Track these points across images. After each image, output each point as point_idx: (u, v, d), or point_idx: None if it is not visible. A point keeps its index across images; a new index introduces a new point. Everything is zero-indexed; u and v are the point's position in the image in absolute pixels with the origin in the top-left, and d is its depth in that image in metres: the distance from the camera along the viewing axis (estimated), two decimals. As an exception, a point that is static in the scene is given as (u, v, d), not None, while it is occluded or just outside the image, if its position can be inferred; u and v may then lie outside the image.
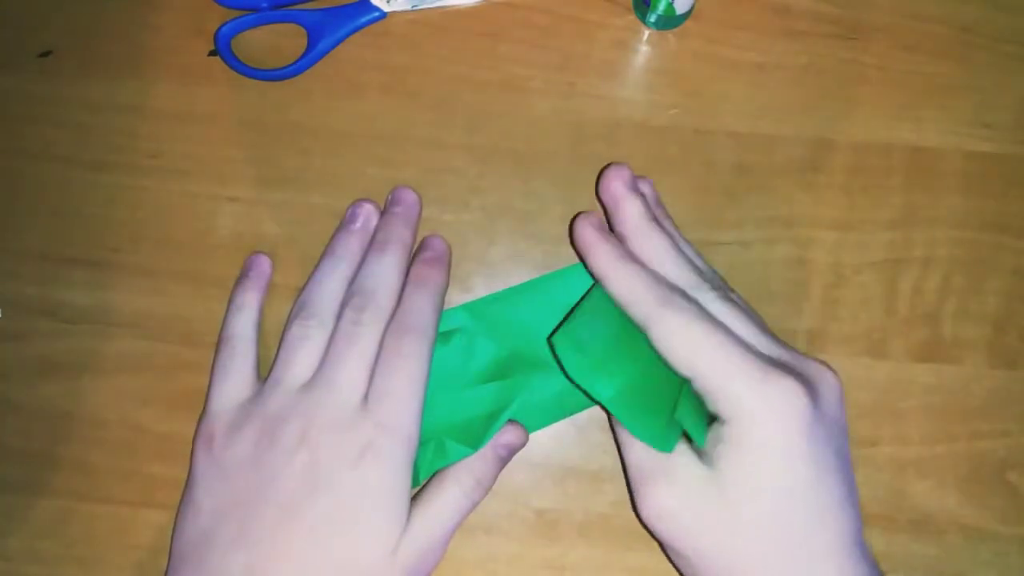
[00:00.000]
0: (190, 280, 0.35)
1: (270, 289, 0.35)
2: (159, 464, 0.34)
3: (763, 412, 0.27)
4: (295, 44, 0.37)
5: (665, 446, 0.29)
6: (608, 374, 0.28)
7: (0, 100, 0.37)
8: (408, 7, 0.38)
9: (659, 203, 0.34)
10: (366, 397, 0.30)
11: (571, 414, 0.34)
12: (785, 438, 0.27)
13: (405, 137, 0.37)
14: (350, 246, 0.34)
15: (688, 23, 0.37)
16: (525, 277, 0.35)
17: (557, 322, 0.33)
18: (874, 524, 0.33)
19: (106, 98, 0.37)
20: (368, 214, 0.35)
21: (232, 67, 0.37)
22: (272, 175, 0.36)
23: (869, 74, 0.37)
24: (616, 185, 0.31)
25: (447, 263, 0.34)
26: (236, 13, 0.37)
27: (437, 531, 0.30)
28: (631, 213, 0.31)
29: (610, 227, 0.32)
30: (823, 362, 0.30)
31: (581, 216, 0.32)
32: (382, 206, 0.35)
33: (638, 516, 0.29)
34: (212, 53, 0.37)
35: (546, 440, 0.34)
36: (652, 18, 0.37)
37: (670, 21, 0.37)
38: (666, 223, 0.33)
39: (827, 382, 0.29)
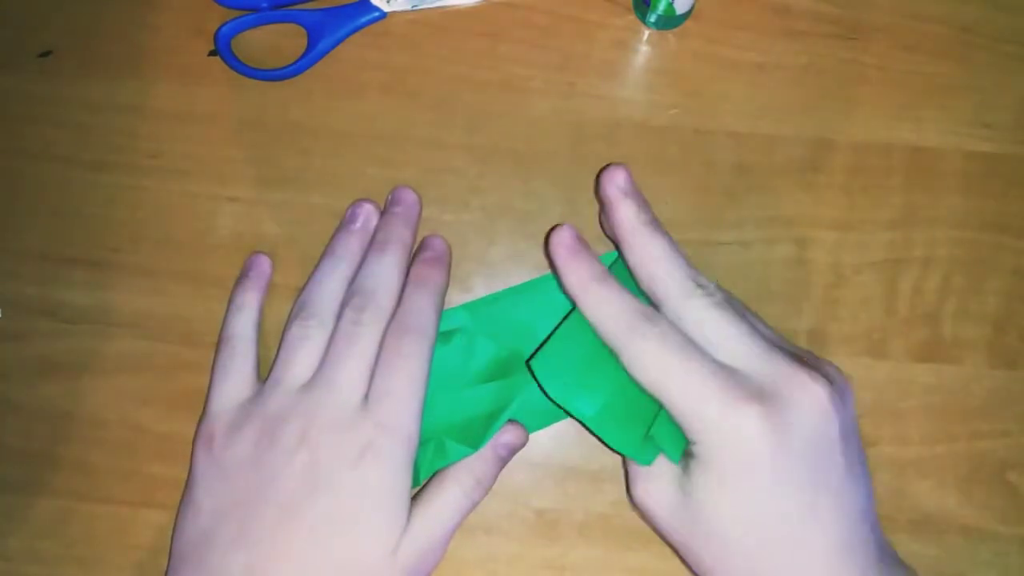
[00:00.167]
0: (190, 280, 0.35)
1: (270, 289, 0.35)
2: (159, 464, 0.34)
3: (724, 439, 0.27)
4: (295, 44, 0.37)
5: (645, 459, 0.29)
6: (588, 394, 0.29)
7: (0, 100, 0.37)
8: (408, 7, 0.38)
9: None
10: (366, 397, 0.30)
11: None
12: (745, 467, 0.27)
13: (405, 137, 0.37)
14: (350, 246, 0.34)
15: (688, 23, 0.37)
16: (525, 277, 0.35)
17: (557, 321, 0.33)
18: (874, 524, 0.33)
19: (106, 98, 0.37)
20: (368, 214, 0.35)
21: (232, 67, 0.37)
22: (272, 175, 0.36)
23: (869, 74, 0.37)
24: (612, 188, 0.31)
25: (447, 263, 0.34)
26: (236, 13, 0.37)
27: (437, 531, 0.30)
28: (626, 215, 0.30)
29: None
30: (824, 369, 0.28)
31: (554, 232, 0.31)
32: (382, 206, 0.35)
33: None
34: (212, 53, 0.37)
35: (546, 440, 0.34)
36: (652, 18, 0.37)
37: (670, 21, 0.37)
38: None
39: (810, 396, 0.27)
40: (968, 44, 0.37)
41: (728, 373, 0.28)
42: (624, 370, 0.29)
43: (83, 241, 0.36)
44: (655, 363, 0.28)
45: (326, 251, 0.34)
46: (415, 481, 0.31)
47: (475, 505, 0.31)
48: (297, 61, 0.37)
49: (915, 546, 0.34)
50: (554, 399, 0.29)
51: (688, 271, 0.29)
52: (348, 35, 0.37)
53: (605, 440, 0.29)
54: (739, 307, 0.31)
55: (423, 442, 0.31)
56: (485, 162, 0.36)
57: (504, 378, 0.33)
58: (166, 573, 0.31)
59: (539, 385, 0.30)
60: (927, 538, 0.34)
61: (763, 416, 0.27)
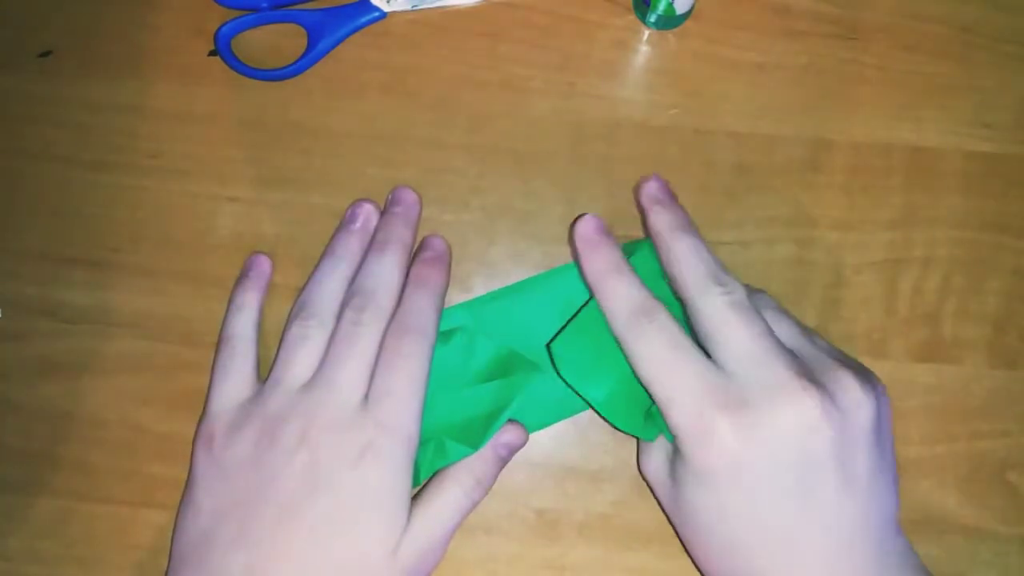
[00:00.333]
0: (190, 280, 0.35)
1: (270, 289, 0.35)
2: (159, 464, 0.34)
3: (695, 442, 0.28)
4: (295, 44, 0.37)
5: (648, 436, 0.31)
6: (598, 380, 0.30)
7: (0, 100, 0.37)
8: (408, 7, 0.38)
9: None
10: (366, 397, 0.30)
11: (571, 414, 0.34)
12: (715, 470, 0.28)
13: (405, 137, 0.37)
14: (350, 246, 0.34)
15: (688, 23, 0.37)
16: (525, 277, 0.35)
17: (557, 320, 0.33)
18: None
19: (106, 98, 0.37)
20: (368, 214, 0.35)
21: (232, 67, 0.37)
22: (272, 175, 0.36)
23: (869, 74, 0.37)
24: (644, 196, 0.33)
25: (447, 263, 0.34)
26: (236, 13, 0.37)
27: (437, 531, 0.30)
28: (655, 220, 0.32)
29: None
30: (841, 380, 0.28)
31: (579, 221, 0.32)
32: (382, 206, 0.35)
33: None
34: (212, 53, 0.37)
35: (546, 440, 0.34)
36: (652, 18, 0.37)
37: (670, 21, 0.37)
38: None
39: (798, 408, 0.27)
40: (968, 44, 0.37)
41: (716, 376, 0.28)
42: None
43: (83, 241, 0.36)
44: (647, 357, 0.29)
45: (326, 251, 0.34)
46: (415, 481, 0.31)
47: (475, 505, 0.31)
48: (297, 61, 0.37)
49: (915, 546, 0.33)
50: (567, 381, 0.31)
51: (711, 269, 0.30)
52: (348, 35, 0.37)
53: (612, 422, 0.30)
54: (770, 307, 0.31)
55: (423, 442, 0.31)
56: (485, 162, 0.36)
57: (504, 377, 0.33)
58: (166, 573, 0.31)
59: (554, 367, 0.31)
60: (927, 538, 0.34)
61: (735, 426, 0.27)
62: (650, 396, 0.29)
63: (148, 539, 0.34)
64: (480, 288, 0.35)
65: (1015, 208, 0.36)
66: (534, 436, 0.33)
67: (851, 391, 0.28)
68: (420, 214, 0.35)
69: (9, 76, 0.37)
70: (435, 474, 0.31)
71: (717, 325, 0.29)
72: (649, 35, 0.38)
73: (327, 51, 0.37)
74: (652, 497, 0.32)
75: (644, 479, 0.32)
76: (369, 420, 0.30)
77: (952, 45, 0.37)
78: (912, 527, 0.34)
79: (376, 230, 0.34)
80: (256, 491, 0.29)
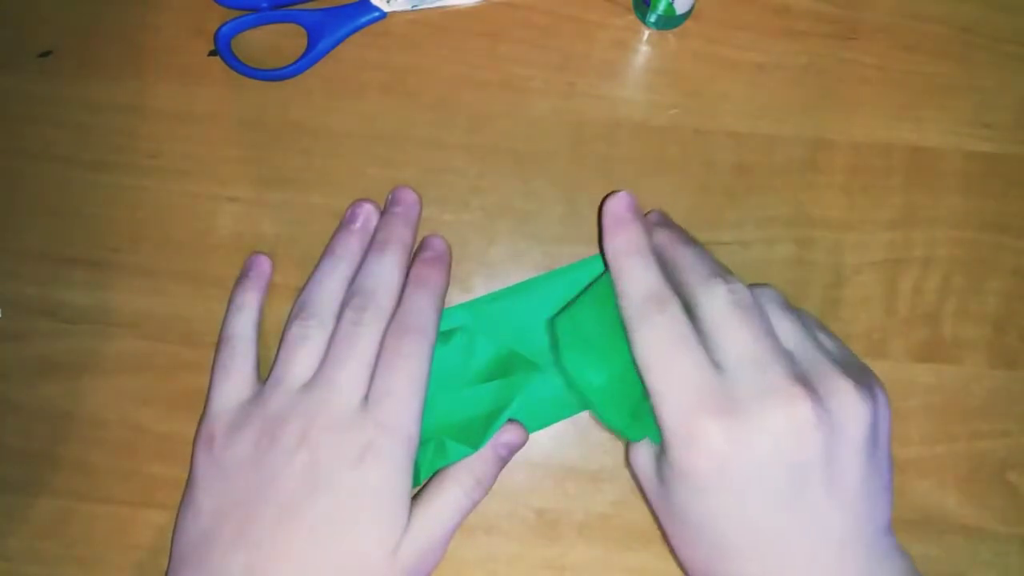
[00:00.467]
0: (190, 280, 0.35)
1: (270, 289, 0.35)
2: (159, 464, 0.34)
3: (681, 442, 0.28)
4: (295, 44, 0.37)
5: (634, 436, 0.30)
6: (598, 364, 0.30)
7: (0, 100, 0.37)
8: (408, 7, 0.38)
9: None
10: (366, 397, 0.30)
11: (571, 414, 0.34)
12: (701, 472, 0.27)
13: (405, 137, 0.37)
14: (350, 246, 0.34)
15: (688, 23, 0.37)
16: (525, 277, 0.35)
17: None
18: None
19: (106, 98, 0.37)
20: (368, 214, 0.35)
21: (232, 67, 0.37)
22: (272, 175, 0.36)
23: (869, 74, 0.37)
24: (656, 216, 0.33)
25: (447, 263, 0.34)
26: (236, 13, 0.37)
27: (437, 531, 0.30)
28: (659, 239, 0.32)
29: None
30: (855, 378, 0.28)
31: (610, 197, 0.32)
32: (382, 206, 0.35)
33: None
34: (212, 53, 0.37)
35: (546, 440, 0.34)
36: (652, 18, 0.37)
37: (670, 21, 0.37)
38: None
39: (788, 415, 0.27)
40: (968, 44, 0.37)
41: (712, 376, 0.28)
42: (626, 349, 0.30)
43: (83, 241, 0.36)
44: (650, 347, 0.29)
45: (326, 251, 0.34)
46: (415, 481, 0.31)
47: (475, 505, 0.31)
48: (297, 61, 0.37)
49: (915, 546, 0.33)
50: (565, 365, 0.30)
51: (715, 269, 0.30)
52: (348, 35, 0.37)
53: (599, 414, 0.30)
54: (774, 302, 0.30)
55: (423, 442, 0.31)
56: (485, 162, 0.36)
57: (504, 377, 0.33)
58: (166, 573, 0.31)
59: (553, 348, 0.31)
60: (927, 538, 0.34)
61: (724, 429, 0.27)
62: (645, 386, 0.29)
63: (148, 539, 0.34)
64: (480, 288, 0.35)
65: (1015, 208, 0.36)
66: (534, 436, 0.33)
67: (846, 398, 0.28)
68: (420, 214, 0.35)
69: (9, 76, 0.37)
70: (435, 474, 0.31)
71: (718, 324, 0.28)
72: (649, 35, 0.38)
73: (327, 51, 0.37)
74: (652, 497, 0.32)
75: (631, 473, 0.31)
76: (369, 420, 0.30)
77: (952, 45, 0.37)
78: (912, 527, 0.34)
79: (376, 230, 0.34)
80: (256, 491, 0.29)
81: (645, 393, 0.29)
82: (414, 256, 0.34)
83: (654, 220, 0.33)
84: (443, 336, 0.33)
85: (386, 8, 0.37)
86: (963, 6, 0.38)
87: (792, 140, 0.36)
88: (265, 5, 0.37)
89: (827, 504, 0.27)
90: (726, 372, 0.28)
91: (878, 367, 0.35)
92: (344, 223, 0.35)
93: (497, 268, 0.36)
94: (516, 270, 0.36)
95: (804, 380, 0.27)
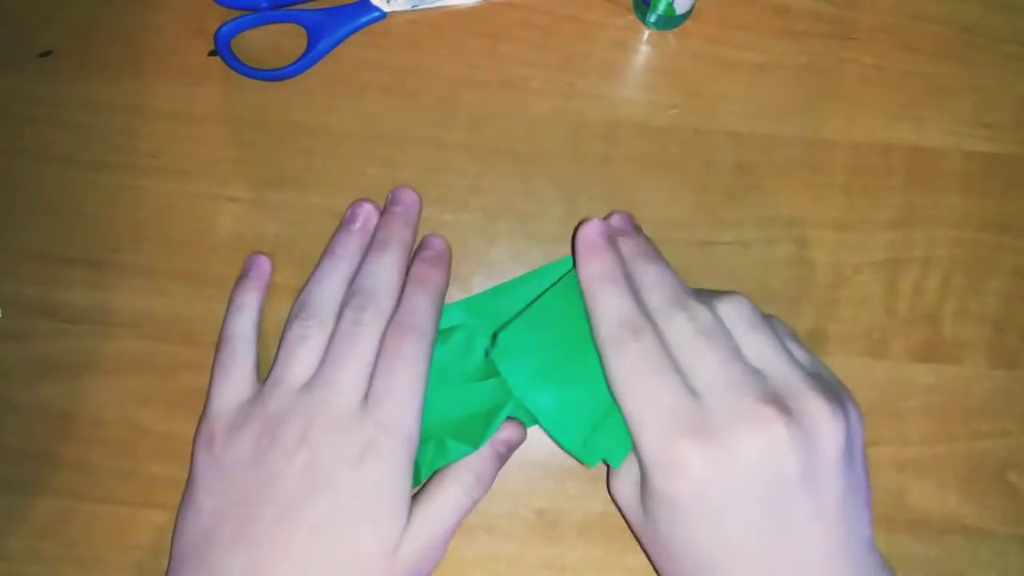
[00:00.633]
0: (190, 280, 0.35)
1: (270, 289, 0.35)
2: (159, 464, 0.34)
3: (659, 468, 0.28)
4: (295, 44, 0.37)
5: (589, 461, 0.30)
6: (545, 383, 0.30)
7: (0, 100, 0.37)
8: (408, 7, 0.38)
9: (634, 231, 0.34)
10: (366, 397, 0.30)
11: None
12: (680, 497, 0.27)
13: (405, 137, 0.37)
14: (350, 246, 0.34)
15: (688, 23, 0.37)
16: (525, 277, 0.35)
17: None
18: (874, 524, 0.33)
19: (106, 98, 0.37)
20: (368, 214, 0.35)
21: (232, 67, 0.37)
22: (272, 175, 0.36)
23: (869, 74, 0.37)
24: (617, 222, 0.33)
25: (447, 262, 0.34)
26: (236, 13, 0.37)
27: (438, 530, 0.30)
28: (625, 248, 0.32)
29: None
30: (827, 395, 0.28)
31: (582, 225, 0.32)
32: (382, 206, 0.35)
33: None
34: (212, 53, 0.37)
35: (546, 440, 0.34)
36: (652, 18, 0.37)
37: (670, 21, 0.37)
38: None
39: (762, 436, 0.27)
40: (968, 44, 0.37)
41: (687, 401, 0.28)
42: (586, 365, 0.30)
43: (83, 241, 0.36)
44: (625, 375, 0.29)
45: (326, 251, 0.34)
46: (416, 480, 0.31)
47: (475, 503, 0.31)
48: (297, 61, 0.37)
49: (915, 546, 0.34)
50: (513, 386, 0.30)
51: (675, 295, 0.30)
52: (348, 35, 0.37)
53: (551, 434, 0.30)
54: (742, 317, 0.30)
55: (423, 441, 0.31)
56: (485, 162, 0.36)
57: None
58: (166, 573, 0.31)
59: (491, 359, 0.31)
60: (927, 538, 0.34)
61: (701, 454, 0.27)
62: (622, 414, 0.29)
63: (148, 539, 0.34)
64: (480, 288, 0.35)
65: (1015, 208, 0.36)
66: (534, 436, 0.33)
67: (820, 415, 0.28)
68: (420, 214, 0.35)
69: (9, 76, 0.37)
70: (435, 473, 0.31)
71: (684, 351, 0.29)
72: (649, 35, 0.38)
73: (327, 51, 0.37)
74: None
75: (614, 502, 0.31)
76: (369, 420, 0.30)
77: (952, 45, 0.37)
78: (912, 527, 0.34)
79: (376, 230, 0.34)
80: (256, 491, 0.29)
81: (597, 414, 0.30)
82: (414, 256, 0.34)
83: (617, 225, 0.33)
84: (442, 334, 0.33)
85: (386, 8, 0.37)
86: (963, 6, 0.38)
87: (792, 140, 0.36)
88: (265, 5, 0.37)
89: (808, 523, 0.27)
90: (700, 397, 0.28)
91: (878, 367, 0.35)
92: (344, 223, 0.35)
93: (497, 268, 0.36)
94: (516, 270, 0.35)
95: (776, 400, 0.28)
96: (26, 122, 0.37)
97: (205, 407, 0.32)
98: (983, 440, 0.34)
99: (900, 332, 0.35)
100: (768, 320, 0.31)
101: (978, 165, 0.36)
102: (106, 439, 0.34)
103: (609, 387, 0.29)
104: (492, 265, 0.36)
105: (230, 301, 0.34)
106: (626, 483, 0.30)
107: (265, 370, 0.33)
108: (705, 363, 0.28)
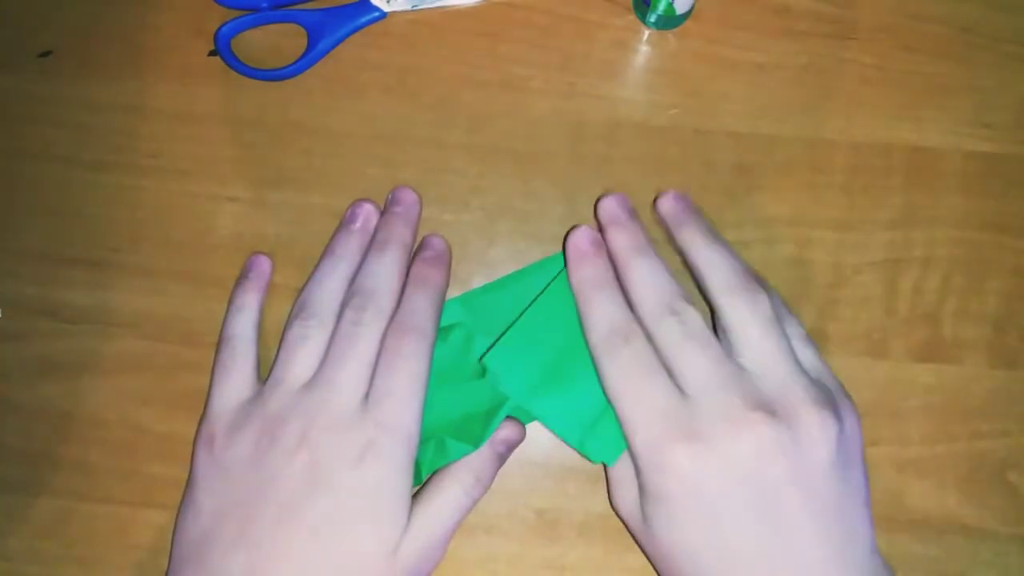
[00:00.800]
0: (190, 280, 0.35)
1: (270, 289, 0.35)
2: (159, 464, 0.34)
3: (652, 470, 0.28)
4: (295, 44, 0.37)
5: (590, 453, 0.31)
6: (543, 390, 0.31)
7: (0, 100, 0.37)
8: (408, 7, 0.38)
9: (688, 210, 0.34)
10: (366, 397, 0.30)
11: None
12: (675, 499, 0.28)
13: (405, 137, 0.37)
14: (350, 246, 0.34)
15: (688, 23, 0.37)
16: (525, 277, 0.35)
17: None
18: (874, 524, 0.33)
19: (106, 98, 0.37)
20: (368, 214, 0.35)
21: (232, 67, 0.37)
22: (272, 175, 0.36)
23: (869, 74, 0.37)
24: (603, 215, 0.33)
25: (447, 262, 0.34)
26: (236, 13, 0.37)
27: (438, 530, 0.30)
28: (613, 241, 0.32)
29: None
30: (818, 399, 0.28)
31: (572, 232, 0.32)
32: (382, 206, 0.35)
33: None
34: (212, 53, 0.37)
35: (546, 440, 0.34)
36: (652, 18, 0.37)
37: (670, 21, 0.37)
38: (687, 229, 0.33)
39: (752, 438, 0.27)
40: (968, 44, 0.37)
41: (678, 403, 0.28)
42: (580, 368, 0.31)
43: (83, 241, 0.36)
44: (617, 379, 0.29)
45: (326, 251, 0.34)
46: (416, 480, 0.31)
47: (475, 503, 0.31)
48: (297, 61, 0.37)
49: (915, 546, 0.34)
50: (513, 397, 0.31)
51: (664, 296, 0.30)
52: (348, 35, 0.37)
53: (555, 432, 0.31)
54: (755, 320, 0.30)
55: (423, 440, 0.31)
56: (485, 162, 0.36)
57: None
58: (166, 573, 0.31)
59: (488, 378, 0.32)
60: (927, 538, 0.34)
61: (691, 455, 0.27)
62: (616, 416, 0.30)
63: (148, 539, 0.34)
64: (480, 288, 0.35)
65: (1015, 208, 0.36)
66: (534, 436, 0.33)
67: (810, 419, 0.28)
68: (420, 214, 0.35)
69: (9, 76, 0.37)
70: (435, 473, 0.31)
71: (675, 355, 0.29)
72: (649, 35, 0.38)
73: (327, 51, 0.37)
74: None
75: (617, 514, 0.32)
76: (369, 420, 0.30)
77: (952, 45, 0.37)
78: (912, 527, 0.34)
79: (376, 230, 0.34)
80: (256, 491, 0.29)
81: (600, 413, 0.30)
82: (414, 255, 0.34)
83: (610, 212, 0.33)
84: (441, 333, 0.33)
85: (386, 8, 0.37)
86: (963, 6, 0.38)
87: (792, 140, 0.36)
88: (265, 5, 0.37)
89: (804, 527, 0.27)
90: (690, 399, 0.29)
91: (878, 367, 0.35)
92: (344, 223, 0.35)
93: (497, 268, 0.36)
94: (516, 270, 0.35)
95: (765, 404, 0.28)
96: (26, 122, 0.37)
97: (205, 407, 0.32)
98: (983, 440, 0.34)
99: (900, 332, 0.35)
100: (784, 319, 0.31)
101: (978, 165, 0.36)
102: (106, 439, 0.34)
103: (603, 391, 0.30)
104: (492, 265, 0.36)
105: (230, 301, 0.34)
106: (626, 493, 0.31)
107: (265, 370, 0.33)
108: (695, 365, 0.29)
